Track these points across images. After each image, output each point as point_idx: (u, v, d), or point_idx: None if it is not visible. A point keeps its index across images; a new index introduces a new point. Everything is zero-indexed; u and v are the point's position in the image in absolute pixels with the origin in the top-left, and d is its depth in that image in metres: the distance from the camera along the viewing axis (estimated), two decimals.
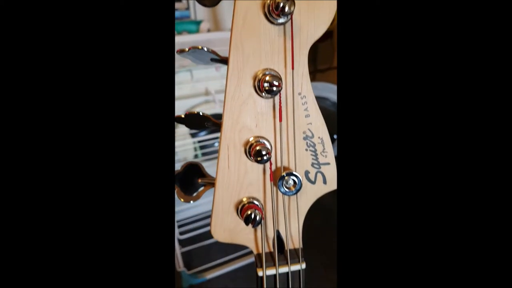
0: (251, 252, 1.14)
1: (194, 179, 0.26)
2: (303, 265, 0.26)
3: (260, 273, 0.25)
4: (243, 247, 1.20)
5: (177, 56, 0.23)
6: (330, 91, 1.45)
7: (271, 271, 0.25)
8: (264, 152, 0.22)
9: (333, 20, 0.23)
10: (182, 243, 1.15)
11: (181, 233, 1.15)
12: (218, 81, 1.16)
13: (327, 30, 0.23)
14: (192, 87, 1.18)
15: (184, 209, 1.20)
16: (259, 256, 0.26)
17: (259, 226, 0.25)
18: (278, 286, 0.25)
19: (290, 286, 0.25)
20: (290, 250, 0.26)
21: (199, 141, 1.20)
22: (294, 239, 0.26)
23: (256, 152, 0.22)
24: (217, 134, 1.26)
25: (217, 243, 1.20)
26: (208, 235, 1.22)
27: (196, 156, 1.22)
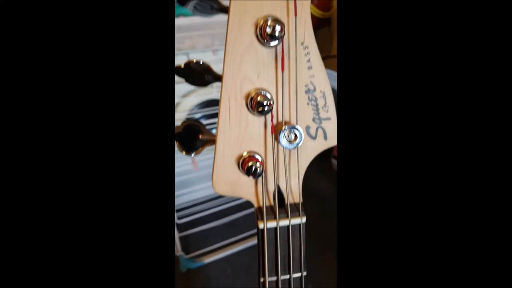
0: (248, 236, 1.16)
1: (195, 136, 0.26)
2: (304, 219, 0.26)
3: (261, 226, 0.25)
4: (241, 231, 1.21)
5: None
6: (331, 78, 1.44)
7: (271, 224, 0.26)
8: (265, 103, 0.22)
9: (331, 6, 0.22)
10: (180, 227, 1.16)
11: (179, 218, 1.15)
12: (216, 65, 1.14)
13: (325, 17, 0.23)
14: None
15: (182, 194, 1.21)
16: (259, 209, 0.26)
17: (260, 178, 0.26)
18: (278, 239, 0.25)
19: (290, 239, 0.26)
20: (290, 204, 0.26)
21: None
22: (294, 194, 0.26)
23: (257, 103, 0.22)
24: (212, 120, 1.25)
25: (215, 228, 1.20)
26: (206, 219, 1.23)
27: None
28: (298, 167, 0.26)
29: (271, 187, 0.26)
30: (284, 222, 0.25)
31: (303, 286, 0.27)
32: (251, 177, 0.25)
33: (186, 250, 1.14)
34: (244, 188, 0.26)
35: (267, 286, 0.26)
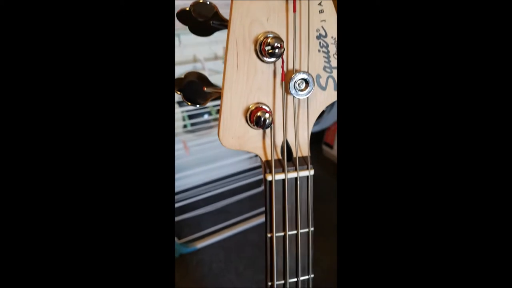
0: (241, 221, 1.16)
1: (199, 88, 0.25)
2: (312, 172, 0.25)
3: (269, 178, 0.25)
4: (233, 216, 1.21)
5: None
6: None
7: (279, 177, 0.25)
8: (276, 45, 0.21)
9: None
10: None
11: None
12: (207, 47, 1.12)
13: None
14: (179, 54, 1.14)
15: (175, 179, 1.19)
16: (267, 163, 0.25)
17: (268, 131, 0.25)
18: (286, 191, 0.25)
19: (298, 192, 0.25)
20: (298, 157, 0.25)
21: (187, 111, 1.18)
22: (302, 148, 0.26)
23: (268, 44, 0.21)
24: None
25: (208, 213, 1.20)
26: (198, 205, 1.22)
27: (185, 126, 1.20)
28: (307, 119, 0.25)
29: (279, 140, 0.25)
30: (292, 175, 0.25)
31: (310, 241, 0.27)
32: (259, 130, 0.25)
33: (178, 235, 1.13)
34: (252, 142, 0.25)
35: (274, 241, 0.26)
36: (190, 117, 1.23)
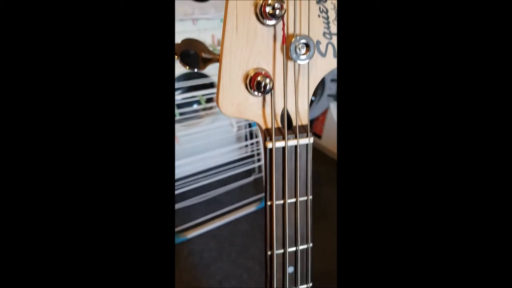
0: (231, 211, 1.16)
1: (196, 53, 0.24)
2: (311, 139, 0.26)
3: (269, 146, 0.24)
4: (223, 206, 1.21)
5: None
6: None
7: (279, 144, 0.25)
8: (277, 5, 0.21)
9: None
10: None
11: None
12: (195, 34, 1.10)
13: None
14: None
15: None
16: (267, 131, 0.25)
17: (268, 99, 0.24)
18: (286, 159, 0.25)
19: (298, 160, 0.25)
20: (298, 126, 0.25)
21: (176, 100, 1.16)
22: (302, 116, 0.26)
23: (269, 5, 0.21)
24: (193, 93, 1.22)
25: (198, 204, 1.19)
26: (188, 195, 1.21)
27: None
28: (308, 86, 0.25)
29: (279, 108, 0.25)
30: (292, 142, 0.25)
31: (309, 210, 0.27)
32: (259, 97, 0.24)
33: None
34: (251, 109, 0.25)
35: (274, 209, 0.26)
36: (179, 106, 1.21)
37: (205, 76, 1.15)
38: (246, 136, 1.30)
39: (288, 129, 0.25)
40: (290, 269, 0.28)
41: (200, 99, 1.11)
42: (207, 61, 0.24)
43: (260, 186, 1.26)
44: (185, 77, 1.16)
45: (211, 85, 1.16)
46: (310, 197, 0.27)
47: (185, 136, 1.14)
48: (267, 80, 0.23)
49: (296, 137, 0.25)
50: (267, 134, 0.25)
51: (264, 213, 0.27)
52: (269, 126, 0.25)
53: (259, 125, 0.25)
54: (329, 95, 1.31)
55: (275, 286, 0.27)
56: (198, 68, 0.24)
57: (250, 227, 1.13)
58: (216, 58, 0.24)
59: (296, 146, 0.25)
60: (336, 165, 1.38)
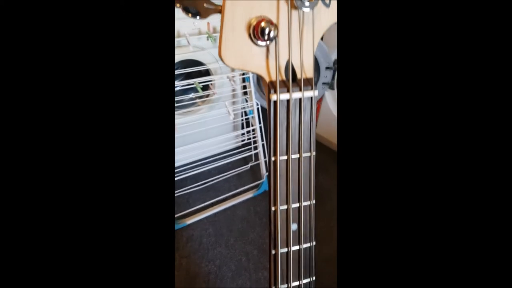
0: (229, 197, 1.16)
1: (199, 3, 0.24)
2: (316, 92, 0.25)
3: (273, 98, 0.24)
4: (221, 193, 1.21)
5: None
6: None
7: (284, 97, 0.25)
8: None
9: None
10: None
11: None
12: (190, 22, 1.09)
13: None
14: None
15: None
16: (271, 83, 0.25)
17: (272, 51, 0.24)
18: (290, 112, 0.25)
19: (302, 113, 0.25)
20: (303, 79, 0.25)
21: None
22: (306, 69, 0.26)
23: None
24: (189, 81, 1.21)
25: (196, 191, 1.19)
26: (186, 183, 1.21)
27: None
28: (312, 38, 0.25)
29: (283, 60, 0.25)
30: (296, 95, 0.25)
31: (312, 166, 0.27)
32: (262, 48, 0.24)
33: None
34: (255, 61, 0.25)
35: (278, 165, 0.26)
36: (175, 94, 1.20)
37: (201, 63, 1.14)
38: (242, 124, 1.30)
39: (292, 81, 0.25)
40: (293, 226, 0.28)
41: (196, 86, 1.10)
42: (209, 11, 0.24)
43: (256, 174, 1.26)
44: (181, 64, 1.15)
45: (207, 73, 1.15)
46: (314, 153, 0.27)
47: (182, 124, 1.13)
48: (271, 27, 0.23)
49: (300, 90, 0.25)
50: (271, 86, 0.25)
51: (268, 170, 0.27)
52: (273, 78, 0.25)
53: (262, 78, 0.25)
54: (324, 83, 1.31)
55: (279, 243, 0.27)
56: (200, 16, 0.23)
57: (248, 212, 1.13)
58: (218, 9, 0.24)
59: (300, 99, 0.25)
60: (331, 153, 1.39)
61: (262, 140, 1.19)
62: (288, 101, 0.24)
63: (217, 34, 1.09)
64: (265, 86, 0.25)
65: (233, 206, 1.15)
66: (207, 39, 1.09)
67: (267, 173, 1.28)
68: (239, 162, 1.27)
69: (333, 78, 1.31)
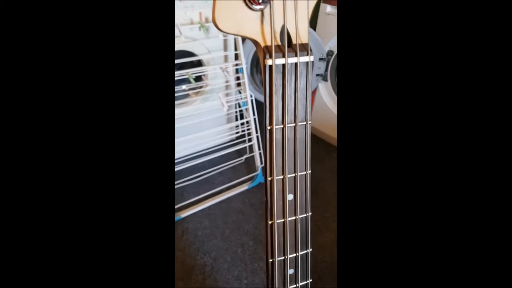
0: (223, 190, 1.16)
1: None
2: (311, 58, 0.25)
3: (269, 62, 0.24)
4: (216, 186, 1.20)
5: None
6: None
7: (279, 62, 0.25)
8: None
9: None
10: None
11: None
12: (182, 12, 1.07)
13: None
14: None
15: None
16: (266, 48, 0.25)
17: (267, 13, 0.24)
18: (286, 77, 0.24)
19: (298, 78, 0.25)
20: (298, 44, 0.25)
21: None
22: (301, 35, 0.25)
23: None
24: (181, 72, 1.20)
25: (190, 185, 1.18)
26: (180, 176, 1.20)
27: None
28: (307, 2, 0.25)
29: (278, 26, 0.25)
30: (292, 59, 0.24)
31: (308, 136, 0.27)
32: (257, 13, 0.24)
33: None
34: (250, 26, 0.24)
35: (274, 134, 0.26)
36: None
37: (193, 54, 1.13)
38: (236, 117, 1.29)
39: (288, 46, 0.25)
40: (289, 196, 0.28)
41: (188, 77, 1.09)
42: None
43: (251, 166, 1.26)
44: None
45: (199, 64, 1.14)
46: (310, 122, 0.27)
47: (176, 116, 1.12)
48: None
49: (296, 55, 0.25)
50: (266, 51, 0.24)
51: (264, 139, 0.27)
52: (268, 43, 0.24)
53: (257, 43, 0.25)
54: (318, 75, 1.31)
55: (275, 213, 0.27)
56: None
57: (243, 204, 1.13)
58: None
59: (296, 64, 0.24)
60: (325, 146, 1.40)
61: (257, 132, 1.18)
62: (283, 65, 0.24)
63: (210, 24, 1.08)
64: (260, 53, 0.25)
65: (228, 198, 1.15)
66: (199, 29, 1.07)
67: (262, 165, 1.28)
68: (233, 155, 1.27)
69: (326, 70, 1.31)
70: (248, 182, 1.21)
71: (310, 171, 0.28)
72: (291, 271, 0.27)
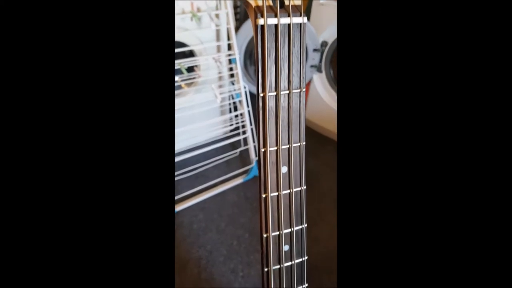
0: (219, 183, 1.14)
1: None
2: (305, 20, 0.24)
3: (260, 22, 0.23)
4: (210, 180, 1.19)
5: None
6: None
7: (272, 22, 0.23)
8: None
9: None
10: None
11: None
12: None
13: None
14: None
15: None
16: (258, 7, 0.23)
17: None
18: (279, 39, 0.23)
19: (291, 40, 0.24)
20: (291, 6, 0.24)
21: None
22: None
23: None
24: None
25: (186, 179, 1.17)
26: (177, 168, 1.18)
27: None
28: None
29: None
30: (285, 20, 0.23)
31: (301, 103, 0.26)
32: None
33: None
34: None
35: (267, 101, 0.24)
36: None
37: (184, 45, 1.11)
38: (230, 110, 1.28)
39: (281, 7, 0.24)
40: (284, 169, 0.27)
41: (180, 67, 1.07)
42: None
43: (246, 160, 1.24)
44: None
45: (191, 54, 1.12)
46: (304, 89, 0.25)
47: None
48: None
49: (289, 15, 0.23)
50: (257, 10, 0.23)
51: (257, 108, 0.25)
52: (260, 3, 0.23)
53: (248, 4, 0.23)
54: (312, 66, 1.30)
55: (269, 185, 0.25)
56: None
57: (238, 198, 1.12)
58: None
59: (289, 26, 0.23)
60: (320, 139, 1.39)
61: (251, 125, 1.17)
62: (276, 26, 0.23)
63: (202, 13, 1.06)
64: (251, 15, 0.23)
65: (223, 192, 1.13)
66: (191, 20, 1.06)
67: (257, 158, 1.26)
68: (227, 149, 1.25)
69: (320, 61, 1.30)
70: (243, 175, 1.19)
71: (304, 142, 0.27)
72: (286, 248, 0.26)
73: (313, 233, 0.92)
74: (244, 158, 1.26)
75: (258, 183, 0.25)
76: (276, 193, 0.26)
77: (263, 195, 0.26)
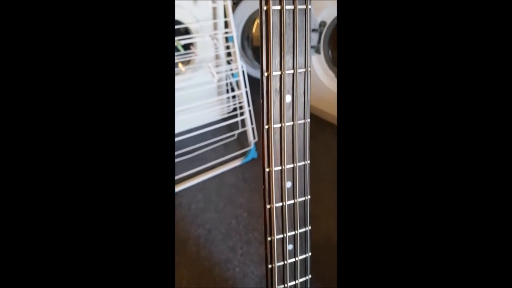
0: (217, 165, 1.15)
1: None
2: (310, 6, 0.24)
3: (264, 8, 0.22)
4: (208, 161, 1.20)
5: None
6: None
7: (276, 8, 0.23)
8: None
9: None
10: None
11: None
12: None
13: None
14: None
15: None
16: None
17: None
18: (282, 22, 0.23)
19: (296, 23, 0.23)
20: None
21: None
22: None
23: None
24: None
25: (182, 161, 1.17)
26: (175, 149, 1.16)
27: None
28: None
29: None
30: (290, 6, 0.23)
31: (308, 82, 0.26)
32: None
33: None
34: None
35: (271, 79, 0.25)
36: None
37: (179, 23, 1.08)
38: (227, 90, 1.27)
39: None
40: (288, 146, 0.27)
41: (176, 44, 1.05)
42: None
43: (244, 142, 1.25)
44: None
45: (186, 32, 1.09)
46: (309, 69, 0.26)
47: None
48: None
49: (294, 3, 0.23)
50: None
51: (261, 88, 0.26)
52: None
53: None
54: (311, 47, 1.28)
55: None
56: None
57: (236, 179, 1.13)
58: None
59: (294, 10, 0.23)
60: (319, 122, 1.38)
61: (249, 106, 1.16)
62: (280, 10, 0.23)
63: None
64: None
65: (221, 174, 1.15)
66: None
67: (255, 140, 1.26)
68: (225, 131, 1.26)
69: (319, 42, 1.28)
70: (241, 158, 1.21)
71: (309, 120, 0.27)
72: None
73: (314, 212, 0.95)
74: (242, 141, 1.27)
75: (256, 164, 0.26)
76: (280, 168, 0.27)
77: (267, 169, 0.26)
